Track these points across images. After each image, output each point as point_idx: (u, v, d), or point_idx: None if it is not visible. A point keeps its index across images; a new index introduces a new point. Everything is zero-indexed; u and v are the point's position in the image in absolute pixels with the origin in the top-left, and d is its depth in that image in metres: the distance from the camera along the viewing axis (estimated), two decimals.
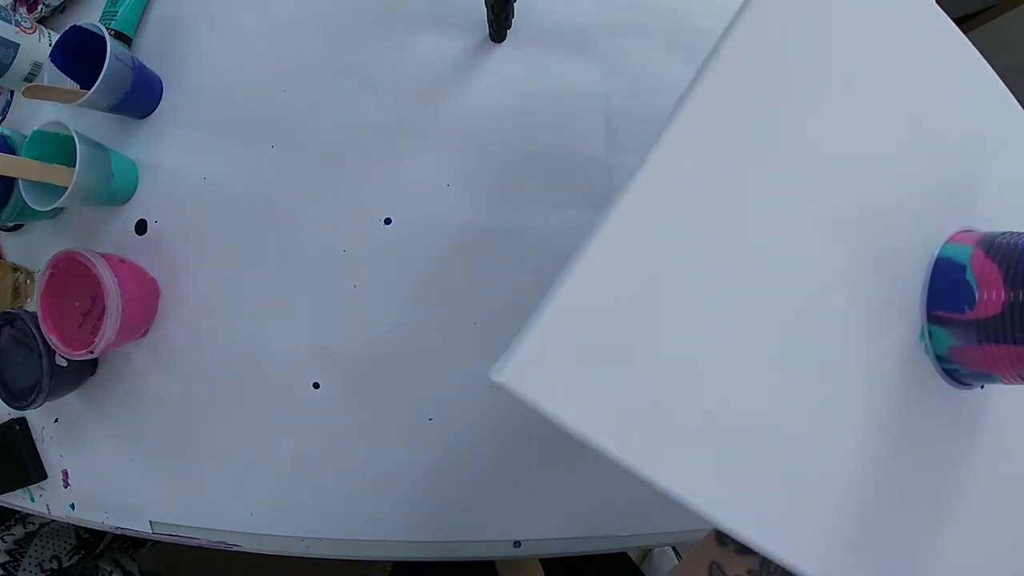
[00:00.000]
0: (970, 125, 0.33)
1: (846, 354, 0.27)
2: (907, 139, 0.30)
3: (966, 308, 0.28)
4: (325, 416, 0.47)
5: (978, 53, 0.34)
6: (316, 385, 0.47)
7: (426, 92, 0.48)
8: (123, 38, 0.54)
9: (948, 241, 0.30)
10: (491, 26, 0.46)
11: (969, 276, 0.28)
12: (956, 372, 0.29)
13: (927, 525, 0.29)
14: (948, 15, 0.32)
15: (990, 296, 0.27)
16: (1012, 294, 0.26)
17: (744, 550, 0.26)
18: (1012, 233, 0.28)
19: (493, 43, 0.48)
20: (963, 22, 1.09)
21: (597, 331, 0.21)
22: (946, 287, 0.29)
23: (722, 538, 0.28)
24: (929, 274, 0.29)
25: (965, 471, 0.30)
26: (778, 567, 0.24)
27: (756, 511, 0.23)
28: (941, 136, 0.31)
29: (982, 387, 0.30)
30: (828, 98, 0.28)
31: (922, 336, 0.29)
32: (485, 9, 0.44)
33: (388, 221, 0.47)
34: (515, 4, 0.44)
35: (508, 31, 0.47)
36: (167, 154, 0.53)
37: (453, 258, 0.46)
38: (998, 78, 0.35)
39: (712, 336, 0.24)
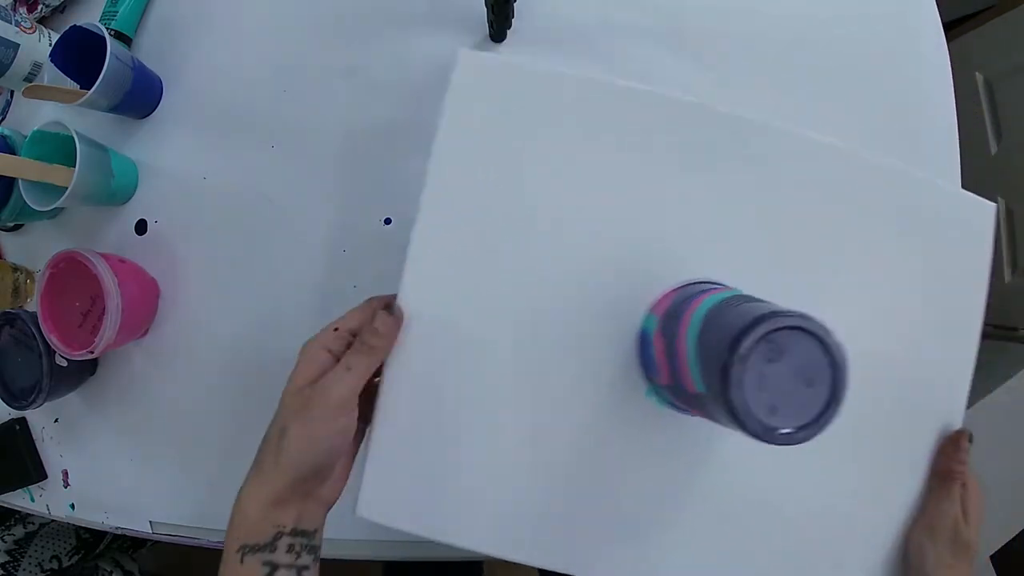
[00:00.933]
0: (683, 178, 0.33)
1: (586, 415, 0.32)
2: (613, 207, 0.33)
3: (656, 377, 0.30)
4: None
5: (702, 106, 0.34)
6: None
7: (426, 92, 0.48)
8: (123, 38, 0.54)
9: (651, 309, 0.32)
10: (491, 26, 0.46)
11: (652, 351, 0.30)
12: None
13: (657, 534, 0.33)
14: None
15: (662, 372, 0.29)
16: (671, 371, 0.28)
17: None
18: (688, 301, 0.28)
19: (493, 43, 0.48)
20: (963, 22, 1.09)
21: (411, 460, 0.32)
22: (644, 357, 0.31)
23: None
24: (638, 344, 0.32)
25: (700, 489, 0.33)
26: None
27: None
28: (650, 195, 0.33)
29: None
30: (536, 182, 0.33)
31: (648, 393, 0.32)
32: (485, 9, 0.44)
33: (388, 221, 0.47)
34: (515, 4, 0.44)
35: (508, 31, 0.47)
36: (167, 154, 0.53)
37: None
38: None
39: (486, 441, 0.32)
